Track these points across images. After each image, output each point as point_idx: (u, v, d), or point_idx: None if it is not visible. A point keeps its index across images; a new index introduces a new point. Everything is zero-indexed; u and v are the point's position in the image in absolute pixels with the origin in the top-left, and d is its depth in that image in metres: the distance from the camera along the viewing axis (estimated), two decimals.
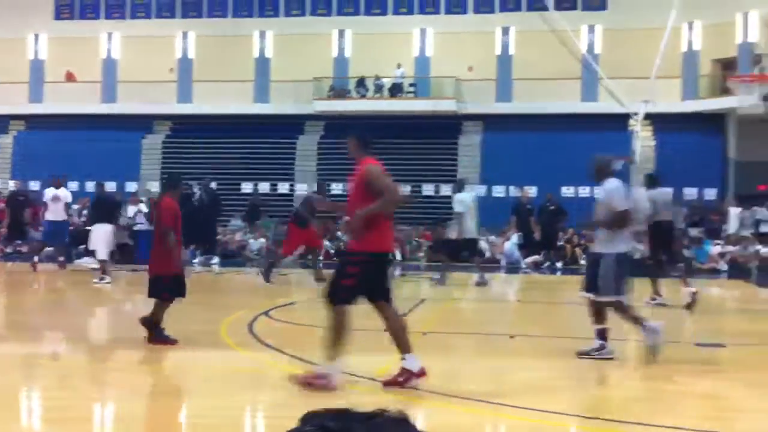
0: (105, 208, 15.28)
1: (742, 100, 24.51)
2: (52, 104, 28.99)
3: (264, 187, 26.74)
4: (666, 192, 12.49)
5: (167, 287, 8.24)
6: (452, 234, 14.99)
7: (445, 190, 26.94)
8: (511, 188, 23.87)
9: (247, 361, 7.84)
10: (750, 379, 7.35)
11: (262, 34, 29.13)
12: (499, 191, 25.64)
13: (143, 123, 28.94)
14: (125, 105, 28.67)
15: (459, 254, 15.21)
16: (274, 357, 7.84)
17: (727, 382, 7.26)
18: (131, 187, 25.35)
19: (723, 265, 19.20)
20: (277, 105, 28.47)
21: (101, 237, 14.25)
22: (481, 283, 14.83)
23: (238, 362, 7.74)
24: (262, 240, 21.21)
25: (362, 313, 6.82)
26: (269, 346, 8.31)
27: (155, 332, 8.13)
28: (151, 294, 8.36)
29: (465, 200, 14.68)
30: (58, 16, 30.14)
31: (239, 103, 28.52)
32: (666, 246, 11.96)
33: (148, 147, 28.61)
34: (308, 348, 7.57)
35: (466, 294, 15.17)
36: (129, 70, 28.99)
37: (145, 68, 28.36)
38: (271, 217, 22.67)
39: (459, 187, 15.37)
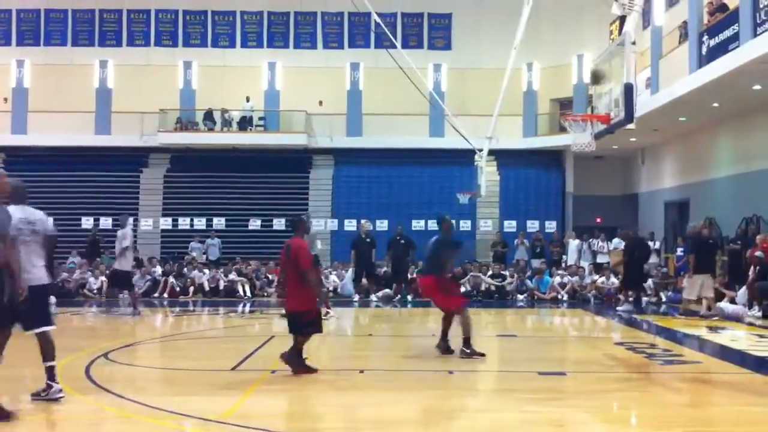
0: None
1: (574, 138, 25.78)
2: None
3: (106, 222, 25.59)
4: None
5: (309, 323, 8.77)
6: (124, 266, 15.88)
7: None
8: (363, 221, 23.96)
9: (83, 405, 7.29)
10: (590, 405, 7.57)
11: (103, 64, 28.07)
12: (350, 225, 25.74)
13: None
14: None
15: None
16: (112, 401, 7.35)
17: (570, 409, 7.43)
18: None
19: (564, 295, 19.99)
20: (120, 137, 27.43)
21: None
22: (134, 314, 15.32)
23: (75, 408, 7.18)
24: (103, 278, 20.17)
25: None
26: (107, 390, 7.79)
27: (300, 364, 8.67)
28: (292, 330, 8.86)
29: (128, 235, 15.86)
30: None
31: (79, 134, 27.25)
32: None
33: None
34: (148, 390, 7.16)
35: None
36: None
37: None
38: (113, 254, 21.67)
39: (122, 223, 16.40)
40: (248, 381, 8.47)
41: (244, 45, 28.99)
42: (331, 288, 20.43)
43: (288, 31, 29.20)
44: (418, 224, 25.38)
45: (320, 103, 28.11)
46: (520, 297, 20.22)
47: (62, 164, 27.00)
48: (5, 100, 27.89)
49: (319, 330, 9.07)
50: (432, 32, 29.33)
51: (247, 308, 18.30)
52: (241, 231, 26.28)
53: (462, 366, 9.59)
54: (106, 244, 22.44)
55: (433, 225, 25.73)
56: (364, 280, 20.52)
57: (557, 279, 20.52)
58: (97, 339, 12.40)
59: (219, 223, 26.13)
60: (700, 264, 15.59)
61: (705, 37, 17.92)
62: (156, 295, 20.32)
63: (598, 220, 24.69)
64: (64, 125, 27.09)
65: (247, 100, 27.76)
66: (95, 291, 20.25)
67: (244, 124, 27.92)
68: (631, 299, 17.46)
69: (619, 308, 17.39)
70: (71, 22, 28.88)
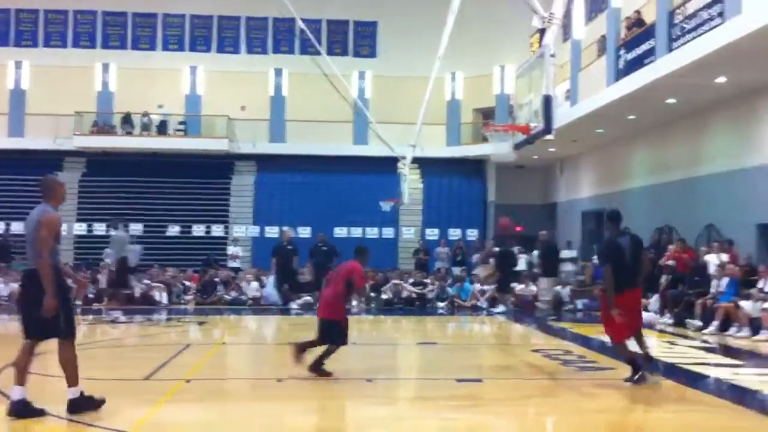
0: None
1: (496, 148, 26.17)
2: None
3: (17, 227, 24.69)
4: None
5: (342, 333, 9.30)
6: None
7: (217, 230, 26.36)
8: (285, 229, 23.76)
9: None
10: (507, 411, 7.62)
11: (18, 65, 27.15)
12: (272, 232, 25.48)
13: None
14: None
15: None
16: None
17: (488, 416, 7.46)
18: None
19: (483, 302, 20.16)
20: (34, 140, 26.54)
21: None
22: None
23: None
24: (14, 284, 19.40)
25: None
26: None
27: (319, 370, 9.06)
28: (327, 339, 9.25)
29: None
30: None
31: None
32: None
33: None
34: (56, 400, 6.89)
35: (233, 338, 14.78)
36: None
37: None
38: (25, 260, 20.93)
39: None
40: (161, 391, 8.23)
41: (165, 48, 28.46)
42: (250, 296, 20.23)
43: (210, 35, 28.80)
44: (341, 231, 25.34)
45: (242, 108, 27.77)
46: (441, 304, 20.32)
47: None
48: None
49: (346, 342, 9.41)
50: (357, 39, 29.35)
51: (164, 316, 17.90)
52: (160, 237, 25.72)
53: (381, 374, 9.55)
54: (17, 250, 21.66)
55: (356, 232, 25.94)
56: (285, 287, 20.34)
57: (477, 286, 20.69)
58: (5, 347, 11.90)
59: (136, 229, 25.49)
60: (548, 269, 18.77)
61: (622, 51, 18.41)
62: None
63: (519, 228, 25.06)
64: None
65: (160, 107, 27.20)
66: (5, 297, 19.48)
67: (164, 128, 27.39)
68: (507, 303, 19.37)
69: (493, 310, 19.13)
70: None
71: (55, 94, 26.48)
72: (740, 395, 8.38)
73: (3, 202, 25.34)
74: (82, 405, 6.83)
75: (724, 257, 15.35)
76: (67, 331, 6.83)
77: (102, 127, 27.15)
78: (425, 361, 11.55)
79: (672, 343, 12.90)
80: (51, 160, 27.02)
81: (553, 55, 18.52)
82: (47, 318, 6.59)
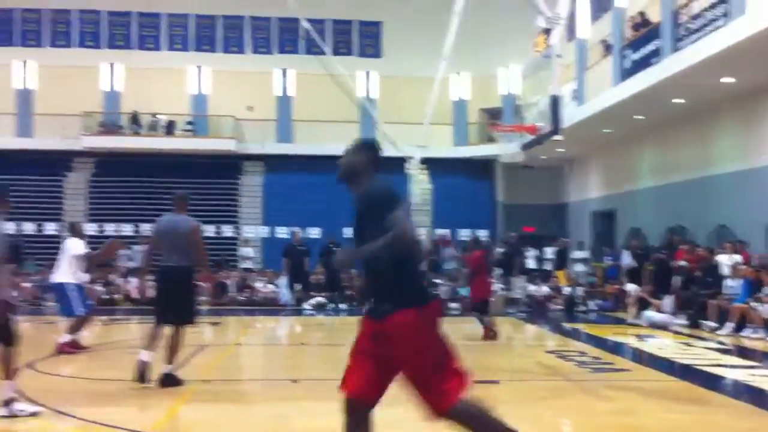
0: None
1: (504, 148, 26.21)
2: None
3: (29, 227, 24.75)
4: None
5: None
6: None
7: (227, 231, 26.40)
8: (296, 230, 23.76)
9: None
10: (523, 413, 7.61)
11: (25, 65, 27.21)
12: (282, 232, 25.51)
13: None
14: None
15: None
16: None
17: (506, 417, 7.44)
18: None
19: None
20: (42, 140, 26.60)
21: None
22: None
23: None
24: (27, 285, 19.51)
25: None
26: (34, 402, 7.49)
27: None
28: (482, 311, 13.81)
29: None
30: None
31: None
32: None
33: None
34: (75, 401, 6.91)
35: (247, 339, 14.80)
36: None
37: None
38: (38, 261, 21.06)
39: None
40: (179, 391, 8.26)
41: (170, 48, 28.45)
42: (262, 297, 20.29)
43: (215, 34, 28.79)
44: (350, 232, 25.34)
45: (250, 108, 27.80)
46: (453, 305, 20.29)
47: None
48: None
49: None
50: (362, 39, 29.30)
51: None
52: None
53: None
54: (30, 251, 21.74)
55: None
56: (298, 287, 20.41)
57: None
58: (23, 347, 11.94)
59: (146, 229, 25.51)
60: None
61: (628, 51, 18.40)
62: None
63: (530, 229, 25.07)
64: None
65: (250, 108, 27.20)
66: (21, 299, 19.51)
67: (172, 128, 27.43)
68: None
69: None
70: None
71: (62, 94, 26.55)
72: (757, 396, 8.38)
73: (13, 203, 25.35)
74: (173, 380, 8.25)
75: (737, 258, 15.33)
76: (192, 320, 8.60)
77: (109, 128, 27.19)
78: None
79: (688, 345, 12.90)
80: (60, 161, 27.10)
81: (559, 56, 18.59)
82: (190, 308, 8.48)
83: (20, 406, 6.92)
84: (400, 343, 4.17)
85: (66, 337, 11.11)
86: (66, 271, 11.25)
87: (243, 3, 28.31)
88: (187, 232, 8.42)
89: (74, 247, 11.36)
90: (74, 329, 11.31)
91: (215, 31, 28.83)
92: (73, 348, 11.16)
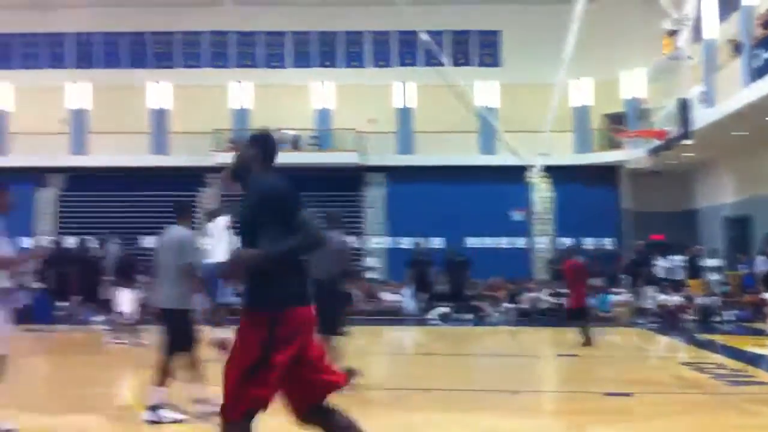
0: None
1: (629, 154, 25.57)
2: None
3: (155, 243, 25.90)
4: None
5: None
6: None
7: (352, 242, 26.90)
8: (419, 240, 23.90)
9: None
10: (657, 426, 7.46)
11: (158, 85, 28.64)
12: (405, 243, 25.69)
13: (35, 176, 27.78)
14: (17, 157, 27.51)
15: None
16: None
17: None
18: (25, 242, 24.08)
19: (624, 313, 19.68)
20: (176, 157, 27.92)
21: None
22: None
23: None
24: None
25: None
26: None
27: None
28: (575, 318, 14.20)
29: None
30: None
31: (136, 155, 27.84)
32: None
33: (42, 201, 27.63)
34: None
35: (373, 348, 15.03)
36: (20, 122, 27.98)
37: (37, 119, 27.45)
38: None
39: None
40: None
41: (294, 65, 29.33)
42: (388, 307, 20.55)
43: (336, 50, 29.48)
44: (473, 241, 25.30)
45: (372, 121, 28.21)
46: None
47: (121, 185, 27.51)
48: (61, 121, 28.39)
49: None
50: (480, 49, 29.32)
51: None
52: None
53: (525, 386, 9.53)
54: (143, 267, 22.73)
55: (488, 242, 25.90)
56: (423, 297, 20.59)
57: (617, 297, 20.21)
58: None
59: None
60: None
61: (759, 50, 17.64)
62: None
63: (659, 236, 24.30)
64: (121, 146, 27.67)
65: (372, 121, 27.85)
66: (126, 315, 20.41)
67: (297, 143, 28.22)
68: None
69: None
70: (124, 45, 29.54)
71: (194, 113, 27.77)
72: None
73: (149, 218, 26.68)
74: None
75: None
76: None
77: (237, 144, 28.20)
78: (568, 374, 11.42)
79: None
80: (193, 177, 28.29)
81: (690, 57, 18.00)
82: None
83: (166, 413, 7.31)
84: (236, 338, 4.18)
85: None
86: None
87: (362, 19, 28.93)
88: (338, 248, 9.11)
89: None
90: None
91: (336, 46, 29.55)
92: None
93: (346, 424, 4.38)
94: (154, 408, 7.27)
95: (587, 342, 13.76)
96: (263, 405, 4.09)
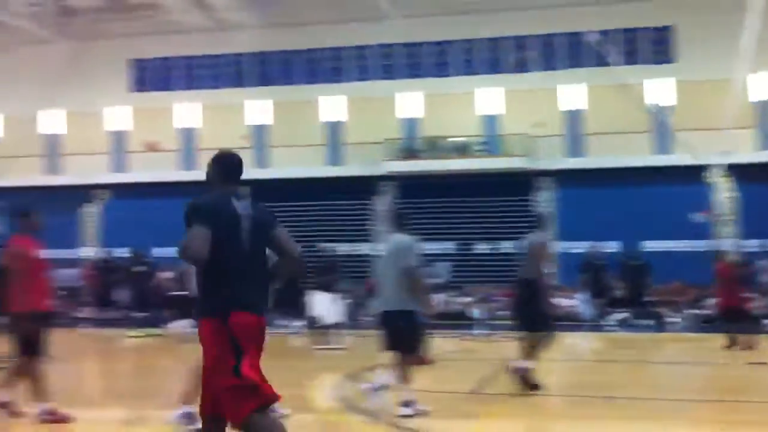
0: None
1: None
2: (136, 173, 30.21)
3: (343, 248, 26.98)
4: None
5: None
6: None
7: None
8: (594, 244, 23.47)
9: None
10: None
11: (333, 99, 29.81)
12: (577, 247, 25.27)
13: None
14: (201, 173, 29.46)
15: None
16: None
17: None
18: None
19: None
20: (350, 167, 28.97)
21: None
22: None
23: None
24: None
25: None
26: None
27: None
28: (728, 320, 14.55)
29: None
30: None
31: (313, 166, 29.16)
32: None
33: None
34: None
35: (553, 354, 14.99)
36: (205, 138, 30.03)
37: (220, 135, 29.36)
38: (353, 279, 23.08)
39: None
40: (484, 404, 8.72)
41: (463, 72, 29.63)
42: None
43: (502, 55, 29.52)
44: (651, 245, 24.55)
45: (539, 124, 28.02)
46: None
47: (299, 195, 28.81)
48: (244, 137, 30.06)
49: None
50: (653, 46, 28.47)
51: (480, 331, 18.67)
52: (467, 255, 26.86)
53: (713, 395, 9.30)
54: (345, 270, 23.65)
55: (667, 245, 25.01)
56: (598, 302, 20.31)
57: None
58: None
59: (447, 247, 26.83)
60: None
61: None
62: None
63: None
64: (298, 158, 29.08)
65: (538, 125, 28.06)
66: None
67: (465, 149, 28.51)
68: None
69: None
70: (302, 62, 30.98)
71: (366, 124, 28.73)
72: None
73: (328, 226, 27.83)
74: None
75: None
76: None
77: (409, 152, 28.90)
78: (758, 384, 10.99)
79: None
80: (367, 186, 29.22)
81: None
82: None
83: (418, 406, 7.88)
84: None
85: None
86: None
87: (525, 24, 28.85)
88: (532, 250, 9.72)
89: None
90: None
91: (502, 52, 29.63)
92: None
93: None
94: (407, 404, 7.87)
95: (736, 345, 14.02)
96: (263, 392, 4.42)
